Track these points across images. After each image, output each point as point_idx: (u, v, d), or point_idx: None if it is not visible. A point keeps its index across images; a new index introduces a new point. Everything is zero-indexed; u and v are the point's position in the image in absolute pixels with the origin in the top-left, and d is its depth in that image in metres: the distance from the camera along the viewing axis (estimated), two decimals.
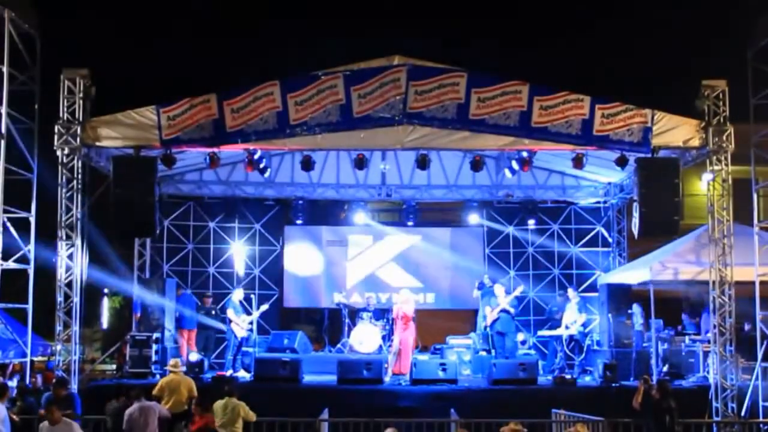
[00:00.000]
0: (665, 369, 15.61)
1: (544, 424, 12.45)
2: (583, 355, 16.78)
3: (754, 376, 14.05)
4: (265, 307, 17.45)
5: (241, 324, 16.48)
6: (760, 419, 13.47)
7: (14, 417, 11.35)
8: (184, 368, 12.99)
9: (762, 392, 13.90)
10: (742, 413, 13.84)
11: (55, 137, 13.93)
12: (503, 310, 16.73)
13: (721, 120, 14.13)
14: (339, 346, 18.06)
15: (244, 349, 16.67)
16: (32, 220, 14.04)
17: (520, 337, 17.88)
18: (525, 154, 15.18)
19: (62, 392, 12.00)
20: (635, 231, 14.60)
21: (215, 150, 14.66)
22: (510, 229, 19.80)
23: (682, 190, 14.77)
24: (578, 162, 15.02)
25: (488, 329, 16.95)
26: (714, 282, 14.36)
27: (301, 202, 19.27)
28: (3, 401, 11.30)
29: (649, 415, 11.52)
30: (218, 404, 11.22)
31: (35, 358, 14.54)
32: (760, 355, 14.06)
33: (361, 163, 15.82)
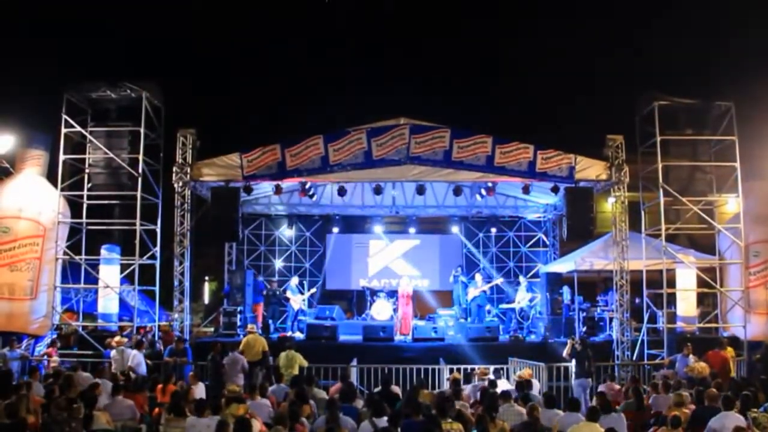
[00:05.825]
0: (584, 329, 15.63)
1: (503, 368, 12.43)
2: (530, 321, 16.87)
3: (641, 334, 14.26)
4: (313, 290, 17.72)
5: (297, 300, 16.65)
6: (645, 361, 13.63)
7: (148, 362, 11.68)
8: (259, 331, 13.22)
9: (646, 344, 14.09)
10: (634, 358, 14.02)
11: (173, 175, 14.20)
12: (483, 292, 16.92)
13: (620, 162, 14.27)
14: (363, 315, 18.02)
15: (299, 318, 16.75)
16: (158, 230, 14.21)
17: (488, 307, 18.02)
18: (490, 184, 15.20)
19: (181, 345, 12.37)
20: (564, 236, 14.81)
21: (279, 182, 14.76)
22: (480, 235, 19.94)
23: (595, 208, 14.83)
24: (526, 190, 15.09)
25: (470, 302, 16.88)
26: (616, 270, 14.48)
27: (337, 217, 19.34)
28: (141, 350, 11.82)
29: (574, 360, 11.65)
30: (282, 354, 11.45)
31: (161, 323, 14.82)
32: (645, 319, 14.24)
33: (378, 191, 15.72)
